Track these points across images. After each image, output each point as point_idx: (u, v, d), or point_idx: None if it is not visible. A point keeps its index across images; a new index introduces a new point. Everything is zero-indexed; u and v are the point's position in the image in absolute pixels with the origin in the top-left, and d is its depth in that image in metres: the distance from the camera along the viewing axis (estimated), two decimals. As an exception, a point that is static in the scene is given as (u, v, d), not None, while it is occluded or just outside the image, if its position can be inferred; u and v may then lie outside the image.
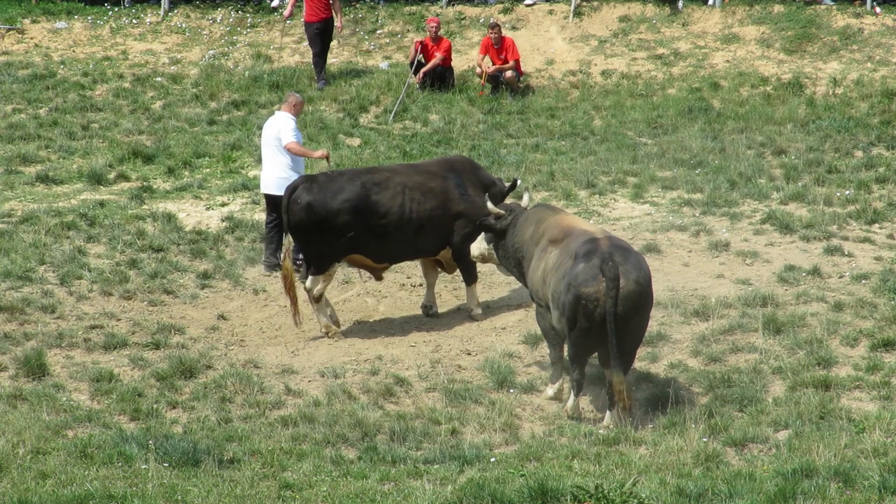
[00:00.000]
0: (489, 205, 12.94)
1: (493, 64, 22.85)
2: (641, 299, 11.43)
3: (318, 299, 13.96)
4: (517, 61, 22.91)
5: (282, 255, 14.09)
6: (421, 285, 15.27)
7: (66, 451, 10.57)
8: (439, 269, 14.69)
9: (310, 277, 14.01)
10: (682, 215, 17.12)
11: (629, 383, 11.79)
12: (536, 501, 9.54)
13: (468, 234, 14.03)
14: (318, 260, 13.93)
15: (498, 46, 22.90)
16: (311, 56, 23.10)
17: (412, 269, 15.45)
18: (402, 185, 13.99)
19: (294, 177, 14.61)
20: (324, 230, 13.78)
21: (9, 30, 25.49)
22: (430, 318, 14.52)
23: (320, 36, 22.70)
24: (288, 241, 13.91)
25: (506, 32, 23.61)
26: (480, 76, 22.78)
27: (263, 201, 16.12)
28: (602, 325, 11.26)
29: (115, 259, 15.86)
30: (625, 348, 11.41)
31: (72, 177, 19.40)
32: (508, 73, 22.72)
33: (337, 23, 22.77)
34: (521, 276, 12.78)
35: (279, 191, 14.61)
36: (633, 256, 11.60)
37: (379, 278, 14.64)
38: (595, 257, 11.37)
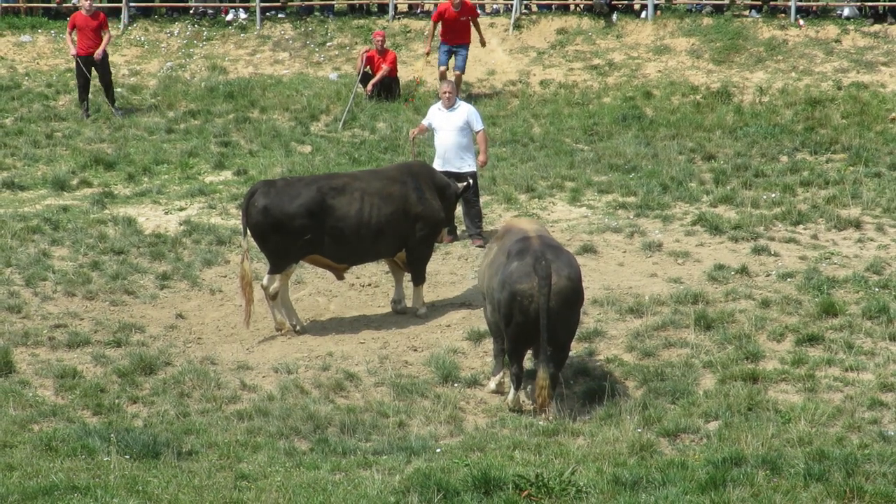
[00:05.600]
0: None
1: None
2: (573, 295, 11.66)
3: (273, 297, 13.95)
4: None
5: (241, 258, 14.05)
6: (370, 285, 15.38)
7: (32, 444, 10.64)
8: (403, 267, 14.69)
9: (266, 276, 14.02)
10: (617, 217, 17.26)
11: (562, 379, 11.91)
12: (480, 490, 9.61)
13: (425, 237, 14.29)
14: (275, 260, 13.94)
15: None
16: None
17: (361, 270, 15.48)
18: (360, 191, 13.98)
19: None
20: (280, 232, 13.75)
21: (-25, 45, 25.57)
22: (399, 313, 14.50)
23: (87, 67, 22.51)
24: (246, 243, 13.90)
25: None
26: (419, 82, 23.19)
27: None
28: (536, 320, 11.43)
29: (78, 261, 15.91)
30: (559, 342, 11.59)
31: (36, 183, 19.42)
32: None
33: (97, 52, 22.44)
34: None
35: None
36: (563, 255, 11.84)
37: (340, 278, 14.68)
38: (528, 256, 11.57)
